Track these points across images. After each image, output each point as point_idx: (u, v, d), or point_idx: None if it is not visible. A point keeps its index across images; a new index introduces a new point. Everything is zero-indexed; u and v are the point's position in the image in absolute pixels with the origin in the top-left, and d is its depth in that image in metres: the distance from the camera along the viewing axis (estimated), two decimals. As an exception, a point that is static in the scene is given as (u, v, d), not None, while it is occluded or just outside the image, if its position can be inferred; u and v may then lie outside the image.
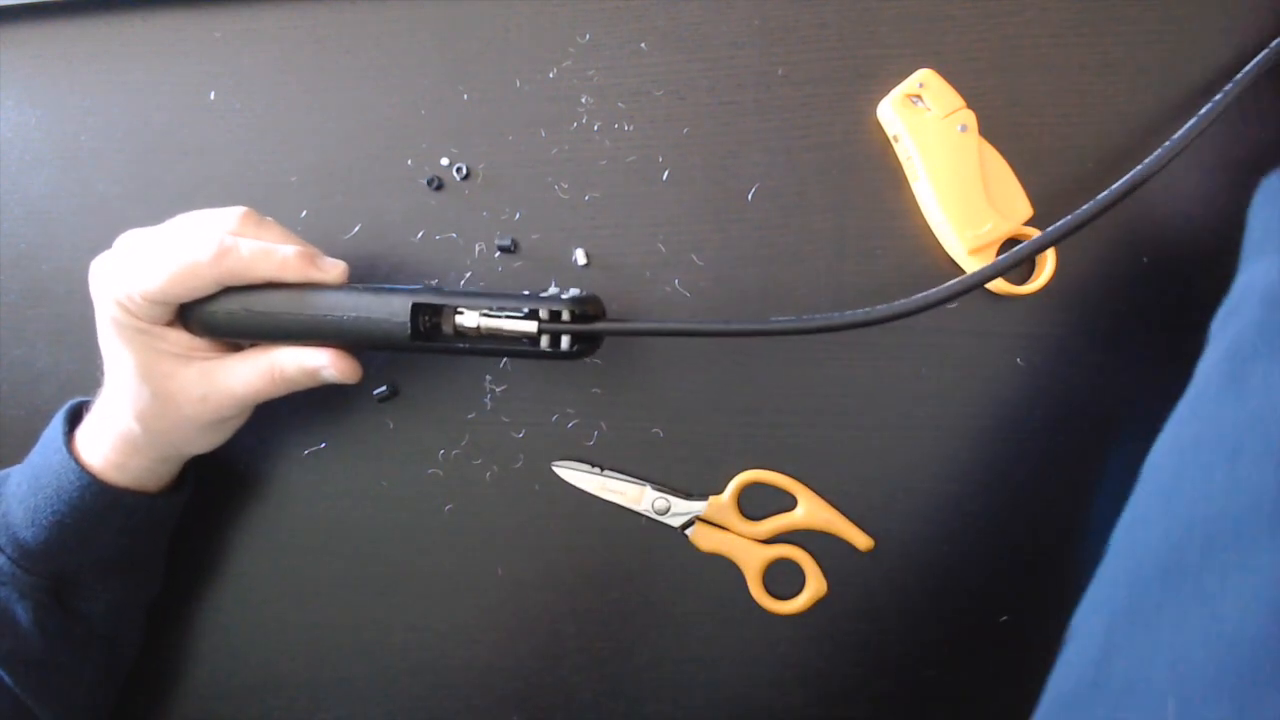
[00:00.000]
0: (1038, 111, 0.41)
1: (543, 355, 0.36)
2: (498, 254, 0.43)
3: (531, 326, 0.36)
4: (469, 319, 0.36)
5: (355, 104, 0.45)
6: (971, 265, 0.40)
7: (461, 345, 0.37)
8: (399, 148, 0.44)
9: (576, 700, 0.44)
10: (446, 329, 0.37)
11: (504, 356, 0.40)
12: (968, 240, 0.40)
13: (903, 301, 0.36)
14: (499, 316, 0.36)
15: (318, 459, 0.45)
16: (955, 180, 0.39)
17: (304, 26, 0.45)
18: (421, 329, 0.36)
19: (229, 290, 0.36)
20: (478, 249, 0.44)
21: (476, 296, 0.37)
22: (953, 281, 0.36)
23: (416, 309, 0.36)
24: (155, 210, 0.46)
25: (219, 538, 0.46)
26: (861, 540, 0.42)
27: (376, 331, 0.36)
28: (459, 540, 0.45)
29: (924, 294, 0.36)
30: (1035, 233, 0.40)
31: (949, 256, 0.41)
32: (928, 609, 0.42)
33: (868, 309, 0.37)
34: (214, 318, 0.37)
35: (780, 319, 0.38)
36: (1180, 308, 0.41)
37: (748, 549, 0.42)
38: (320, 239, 0.44)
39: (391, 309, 0.36)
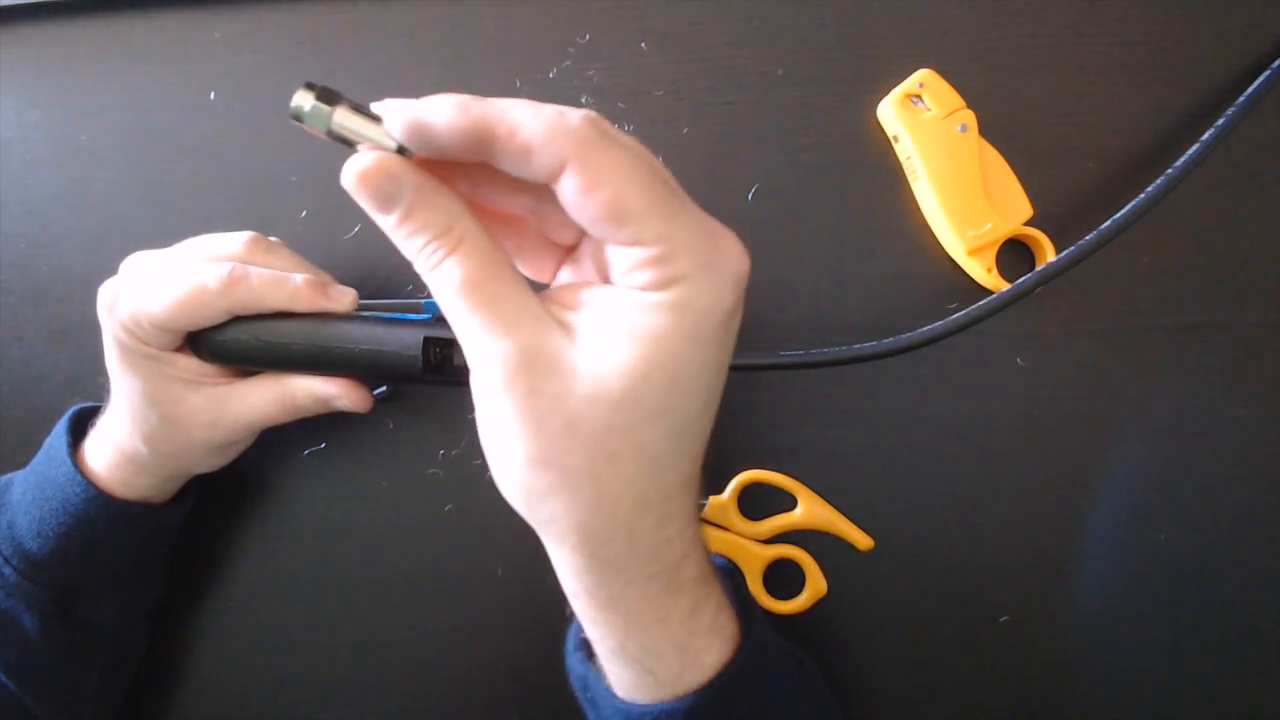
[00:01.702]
0: (1038, 111, 0.41)
1: None
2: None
3: None
4: None
5: (355, 104, 0.45)
6: (971, 265, 0.40)
7: None
8: (399, 148, 0.44)
9: (576, 700, 0.44)
10: (458, 360, 0.36)
11: None
12: (968, 240, 0.40)
13: (907, 335, 0.38)
14: None
15: (318, 459, 0.45)
16: (955, 180, 0.39)
17: (304, 26, 0.45)
18: (433, 361, 0.36)
19: (239, 318, 0.36)
20: (478, 249, 0.44)
21: None
22: (968, 310, 0.38)
23: (428, 342, 0.35)
24: (155, 210, 0.46)
25: (219, 538, 0.46)
26: (861, 540, 0.42)
27: (388, 364, 0.36)
28: (459, 540, 0.45)
29: (929, 327, 0.38)
30: (1035, 233, 0.40)
31: (949, 256, 0.41)
32: (928, 609, 0.42)
33: (875, 342, 0.38)
34: (224, 346, 0.36)
35: (789, 353, 0.39)
36: (1180, 308, 0.41)
37: (748, 549, 0.42)
38: (320, 239, 0.44)
39: (403, 342, 0.35)
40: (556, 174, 0.23)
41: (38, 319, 0.47)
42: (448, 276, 0.24)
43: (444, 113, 0.23)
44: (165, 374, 0.36)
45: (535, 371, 0.24)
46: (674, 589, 0.28)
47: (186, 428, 0.37)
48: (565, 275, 0.29)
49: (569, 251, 0.29)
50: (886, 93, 0.41)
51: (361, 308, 0.37)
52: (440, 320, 0.36)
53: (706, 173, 0.42)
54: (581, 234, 0.27)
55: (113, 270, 0.37)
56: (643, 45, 0.43)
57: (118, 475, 0.38)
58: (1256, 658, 0.41)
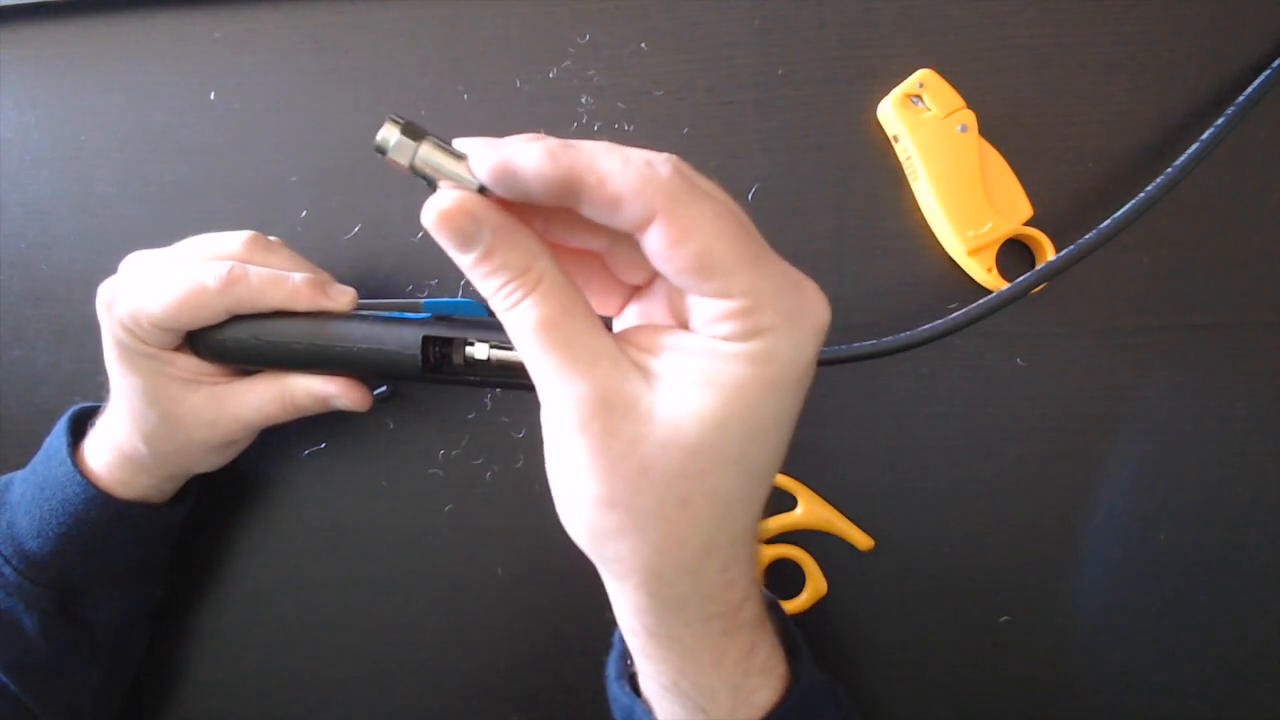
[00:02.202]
0: (1038, 111, 0.41)
1: None
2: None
3: None
4: (479, 351, 0.36)
5: (355, 104, 0.45)
6: (971, 265, 0.40)
7: (472, 378, 0.36)
8: (399, 148, 0.44)
9: (576, 700, 0.44)
10: (457, 359, 0.36)
11: (515, 389, 0.39)
12: (968, 240, 0.40)
13: (907, 334, 0.38)
14: (509, 349, 0.35)
15: (318, 459, 0.45)
16: (955, 180, 0.39)
17: (304, 26, 0.45)
18: (432, 360, 0.36)
19: (238, 318, 0.36)
20: (478, 249, 0.44)
21: (488, 328, 0.36)
22: (967, 309, 0.37)
23: (427, 341, 0.36)
24: (155, 210, 0.46)
25: (220, 538, 0.46)
26: (861, 540, 0.42)
27: (386, 362, 0.36)
28: (459, 540, 0.45)
29: (929, 326, 0.38)
30: (1035, 233, 0.40)
31: (949, 256, 0.41)
32: (928, 609, 0.42)
33: (875, 341, 0.38)
34: (223, 345, 0.36)
35: None
36: (1180, 308, 0.41)
37: (748, 549, 0.42)
38: (320, 239, 0.44)
39: (402, 341, 0.36)
40: (644, 225, 0.23)
41: (38, 319, 0.47)
42: (524, 317, 0.24)
43: (532, 159, 0.22)
44: (165, 373, 0.36)
45: (611, 414, 0.24)
46: (732, 630, 0.28)
47: (186, 427, 0.37)
48: (633, 312, 0.29)
49: (636, 290, 0.29)
50: (886, 93, 0.41)
51: (361, 307, 0.37)
52: (440, 319, 0.36)
53: (706, 173, 0.42)
54: (652, 276, 0.27)
55: (113, 270, 0.37)
56: (643, 45, 0.43)
57: (117, 475, 0.38)
58: (1256, 657, 0.41)
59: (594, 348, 0.24)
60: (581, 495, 0.25)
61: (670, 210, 0.22)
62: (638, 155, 0.23)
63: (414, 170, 0.24)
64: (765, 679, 0.29)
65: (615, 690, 0.32)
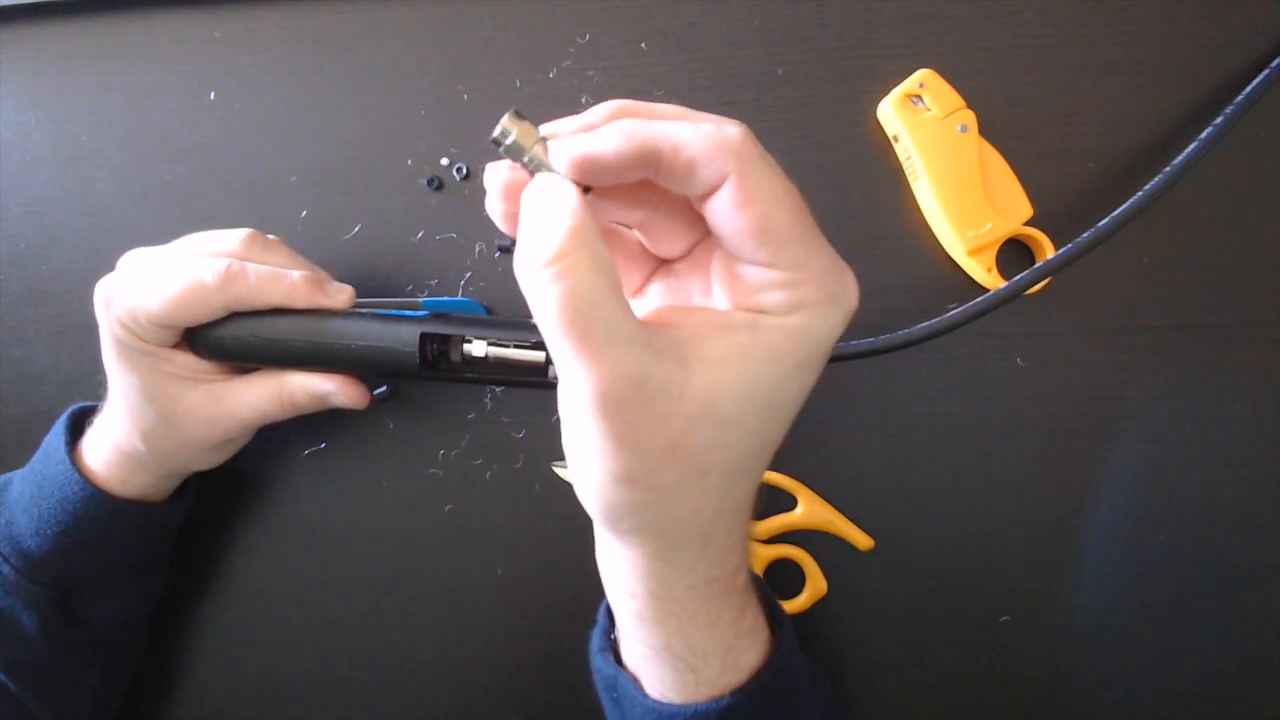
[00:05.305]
0: (1038, 111, 0.41)
1: (551, 386, 0.33)
2: (498, 254, 0.43)
3: (540, 356, 0.35)
4: (476, 348, 0.36)
5: (355, 104, 0.45)
6: (971, 265, 0.40)
7: (469, 375, 0.36)
8: (399, 148, 0.44)
9: (577, 702, 0.44)
10: (454, 357, 0.36)
11: (513, 386, 0.39)
12: (968, 240, 0.40)
13: (905, 331, 0.38)
14: (507, 346, 0.35)
15: (318, 459, 0.45)
16: (955, 180, 0.39)
17: (304, 26, 0.45)
18: (430, 358, 0.36)
19: (236, 315, 0.36)
20: (478, 249, 0.44)
21: (485, 326, 0.36)
22: (965, 307, 0.37)
23: (424, 338, 0.36)
24: (155, 210, 0.46)
25: (220, 538, 0.46)
26: (861, 540, 0.42)
27: (384, 360, 0.36)
28: (459, 540, 0.45)
29: (926, 324, 0.38)
30: (1035, 233, 0.40)
31: (949, 256, 0.41)
32: (928, 609, 0.42)
33: (872, 339, 0.38)
34: (221, 343, 0.36)
35: None
36: (1180, 308, 0.41)
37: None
38: (320, 239, 0.44)
39: (400, 338, 0.36)
40: (716, 188, 0.23)
41: (38, 319, 0.47)
42: (550, 295, 0.23)
43: (609, 143, 0.23)
44: (163, 371, 0.36)
45: (642, 396, 0.23)
46: (728, 593, 0.29)
47: (184, 425, 0.37)
48: (655, 290, 0.29)
49: (660, 268, 0.29)
50: (886, 93, 0.41)
51: (359, 306, 0.37)
52: (438, 317, 0.36)
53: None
54: (688, 249, 0.28)
55: (112, 270, 0.37)
56: (643, 45, 0.43)
57: (116, 473, 0.38)
58: (1256, 658, 0.41)
59: (626, 331, 0.23)
60: (603, 474, 0.24)
61: (740, 172, 0.23)
62: (706, 120, 0.24)
63: (525, 165, 0.25)
64: (752, 642, 0.30)
65: (599, 662, 0.33)
